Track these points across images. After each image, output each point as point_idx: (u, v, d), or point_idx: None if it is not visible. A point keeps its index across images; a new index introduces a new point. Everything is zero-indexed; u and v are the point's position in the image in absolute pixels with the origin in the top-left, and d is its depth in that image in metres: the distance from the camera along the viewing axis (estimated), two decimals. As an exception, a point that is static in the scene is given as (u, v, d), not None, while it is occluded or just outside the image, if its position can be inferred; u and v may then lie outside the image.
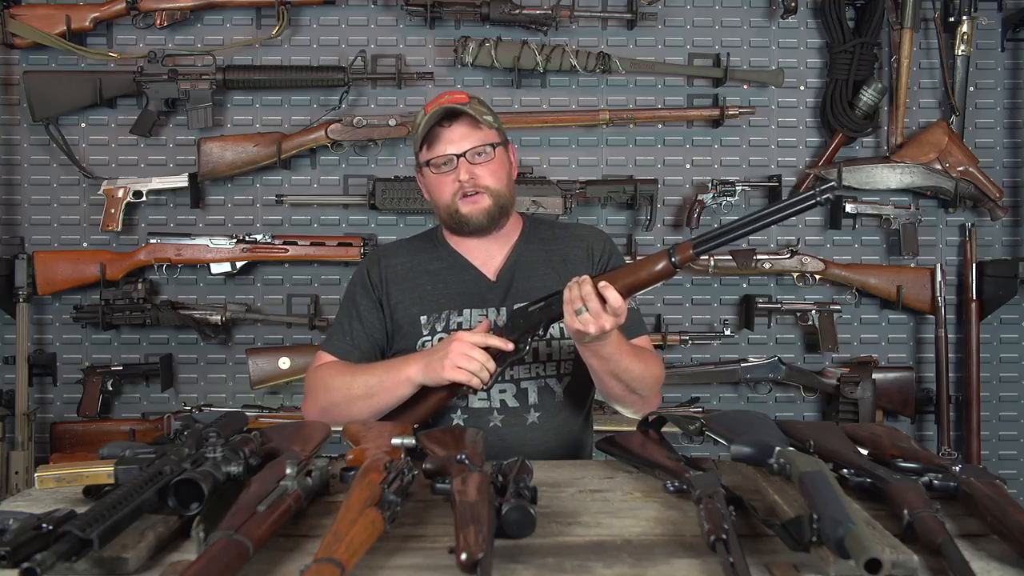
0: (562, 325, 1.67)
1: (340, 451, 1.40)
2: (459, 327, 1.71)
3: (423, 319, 1.74)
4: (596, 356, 1.56)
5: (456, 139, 1.69)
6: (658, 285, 1.52)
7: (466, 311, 1.73)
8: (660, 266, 1.46)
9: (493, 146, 1.72)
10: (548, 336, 1.69)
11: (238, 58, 2.74)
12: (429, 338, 1.72)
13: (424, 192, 1.81)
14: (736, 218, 1.38)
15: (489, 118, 1.73)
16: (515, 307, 1.64)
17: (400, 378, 1.60)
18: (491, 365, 1.54)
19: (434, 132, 1.70)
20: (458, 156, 1.69)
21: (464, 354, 1.53)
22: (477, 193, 1.70)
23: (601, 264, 1.79)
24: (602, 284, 1.44)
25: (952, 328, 2.77)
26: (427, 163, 1.72)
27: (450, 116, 1.70)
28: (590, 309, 1.43)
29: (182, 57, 2.66)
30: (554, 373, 1.72)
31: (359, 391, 1.63)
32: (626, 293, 1.46)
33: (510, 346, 1.56)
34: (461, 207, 1.71)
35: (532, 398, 1.70)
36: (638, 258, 1.70)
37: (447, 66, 2.76)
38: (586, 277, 1.46)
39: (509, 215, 1.78)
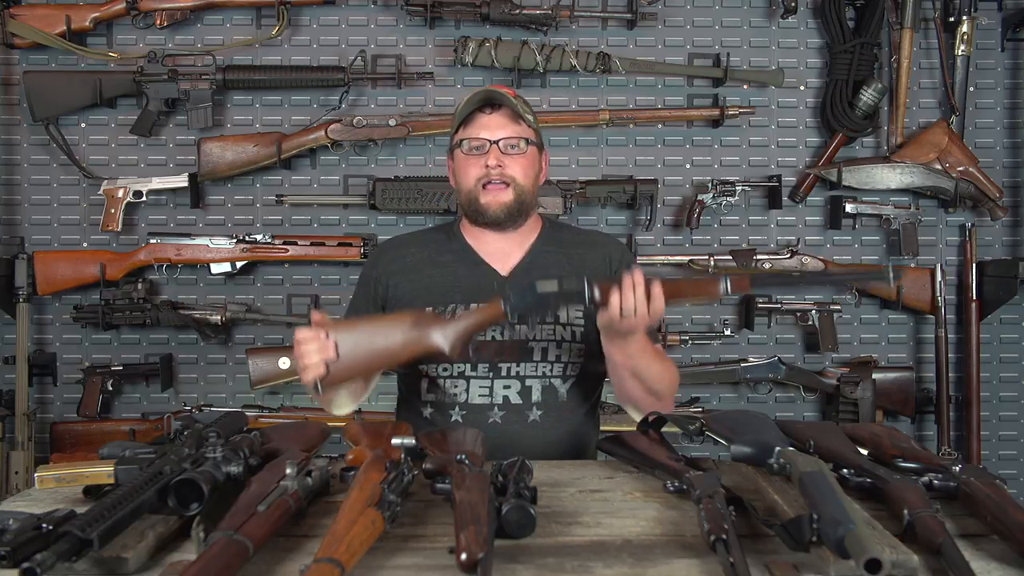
0: (575, 318, 1.70)
1: (340, 451, 1.40)
2: None
3: (428, 311, 1.71)
4: (621, 352, 1.57)
5: (494, 126, 1.69)
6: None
7: (472, 306, 1.70)
8: (713, 289, 1.47)
9: (528, 142, 1.71)
10: (559, 338, 1.70)
11: (238, 58, 2.74)
12: None
13: (451, 177, 1.80)
14: (801, 272, 1.41)
15: (530, 117, 1.72)
16: (524, 282, 1.56)
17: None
18: (329, 347, 1.42)
19: (473, 116, 1.69)
20: (492, 142, 1.68)
21: (300, 355, 1.45)
22: (502, 183, 1.69)
23: (616, 274, 1.79)
24: (656, 291, 1.44)
25: (952, 328, 2.77)
26: (459, 144, 1.71)
27: (492, 104, 1.69)
28: (637, 311, 1.44)
29: (182, 57, 2.66)
30: (560, 373, 1.71)
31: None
32: (669, 299, 1.46)
33: (330, 343, 1.44)
34: (481, 196, 1.69)
35: (535, 396, 1.70)
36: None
37: (447, 66, 2.76)
38: (641, 279, 1.45)
39: (528, 215, 1.76)
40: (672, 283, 1.47)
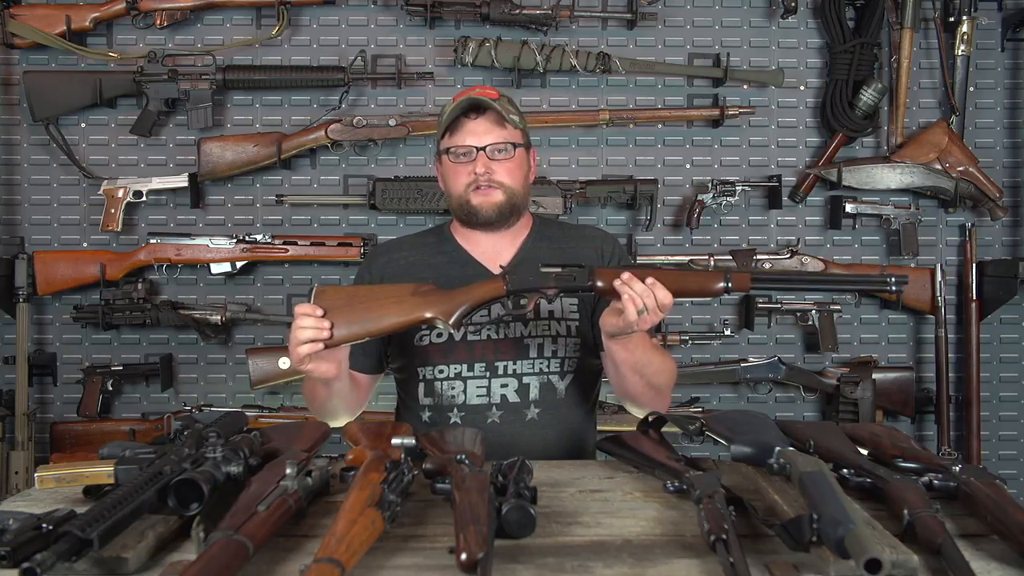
0: (569, 312, 1.71)
1: (340, 451, 1.40)
2: None
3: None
4: (624, 348, 1.57)
5: (480, 132, 1.69)
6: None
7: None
8: (714, 285, 1.48)
9: (514, 145, 1.71)
10: (555, 333, 1.70)
11: (238, 58, 2.74)
12: (428, 332, 1.71)
13: (440, 181, 1.80)
14: (801, 272, 1.41)
15: (515, 118, 1.73)
16: (527, 261, 1.59)
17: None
18: (325, 324, 1.46)
19: (459, 122, 1.70)
20: (478, 149, 1.68)
21: (295, 335, 1.47)
22: (491, 187, 1.69)
23: (611, 267, 1.79)
24: (650, 281, 1.45)
25: (952, 328, 2.77)
26: (447, 151, 1.71)
27: (477, 109, 1.69)
28: (648, 307, 1.44)
29: (182, 57, 2.66)
30: (558, 370, 1.72)
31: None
32: (673, 295, 1.47)
33: (320, 312, 1.47)
34: (472, 198, 1.70)
35: (533, 394, 1.70)
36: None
37: (447, 66, 2.76)
38: (653, 280, 1.45)
39: (520, 215, 1.77)
40: (675, 279, 1.47)
